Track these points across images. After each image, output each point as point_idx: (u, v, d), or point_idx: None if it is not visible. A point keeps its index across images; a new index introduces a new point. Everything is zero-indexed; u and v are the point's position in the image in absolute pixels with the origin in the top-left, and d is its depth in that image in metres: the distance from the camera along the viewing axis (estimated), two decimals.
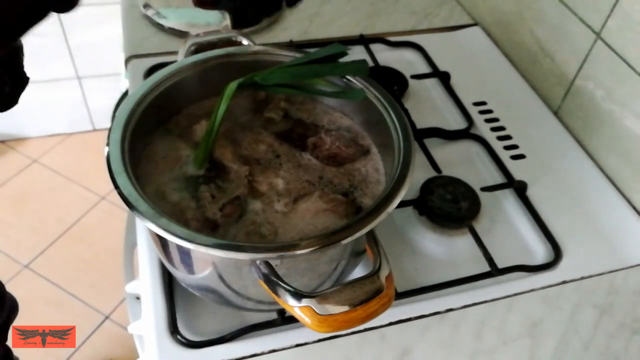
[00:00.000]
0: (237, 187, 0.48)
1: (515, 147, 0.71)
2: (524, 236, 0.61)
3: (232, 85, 0.49)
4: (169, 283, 0.52)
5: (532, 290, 0.56)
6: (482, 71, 0.82)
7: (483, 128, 0.73)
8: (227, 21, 0.85)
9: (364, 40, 0.83)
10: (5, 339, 0.77)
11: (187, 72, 0.53)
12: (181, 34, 0.81)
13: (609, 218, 0.63)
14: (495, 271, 0.56)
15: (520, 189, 0.64)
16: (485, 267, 0.56)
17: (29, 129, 1.72)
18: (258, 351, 0.49)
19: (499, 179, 0.66)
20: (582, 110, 0.72)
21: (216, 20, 0.84)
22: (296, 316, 0.39)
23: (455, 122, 0.73)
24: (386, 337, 0.51)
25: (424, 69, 0.81)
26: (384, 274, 0.41)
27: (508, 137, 0.72)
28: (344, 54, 0.53)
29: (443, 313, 0.53)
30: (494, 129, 0.73)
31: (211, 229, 0.45)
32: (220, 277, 0.45)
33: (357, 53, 0.81)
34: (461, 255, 0.59)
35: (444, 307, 0.54)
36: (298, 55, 0.56)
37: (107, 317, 1.32)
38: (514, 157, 0.69)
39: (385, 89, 0.53)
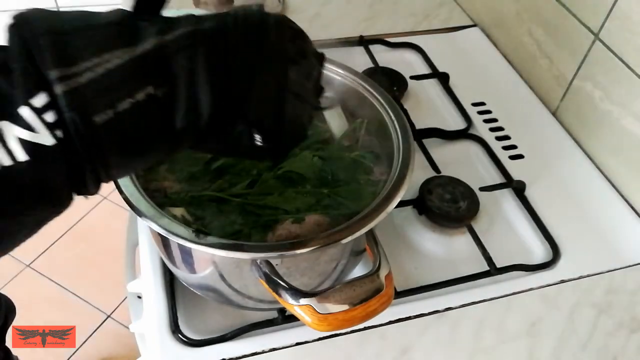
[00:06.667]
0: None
1: (513, 147, 0.71)
2: (522, 235, 0.61)
3: None
4: (171, 282, 0.53)
5: (531, 289, 0.56)
6: (481, 72, 0.83)
7: (482, 128, 0.73)
8: None
9: (364, 42, 0.83)
10: (4, 340, 0.76)
11: None
12: None
13: (607, 217, 0.64)
14: (493, 270, 0.56)
15: (518, 189, 0.65)
16: (484, 266, 0.57)
17: None
18: (259, 350, 0.49)
19: (497, 178, 0.67)
20: (580, 111, 0.72)
21: None
22: (296, 315, 0.39)
23: (454, 122, 0.74)
24: (386, 335, 0.52)
25: (423, 69, 0.82)
26: (383, 273, 0.41)
27: (507, 138, 0.72)
28: None
29: (442, 312, 0.54)
30: (492, 129, 0.73)
31: None
32: (221, 276, 0.45)
33: (357, 54, 0.81)
34: (460, 254, 0.59)
35: (443, 306, 0.54)
36: None
37: (108, 316, 1.32)
38: (513, 157, 0.70)
39: (384, 90, 0.54)
